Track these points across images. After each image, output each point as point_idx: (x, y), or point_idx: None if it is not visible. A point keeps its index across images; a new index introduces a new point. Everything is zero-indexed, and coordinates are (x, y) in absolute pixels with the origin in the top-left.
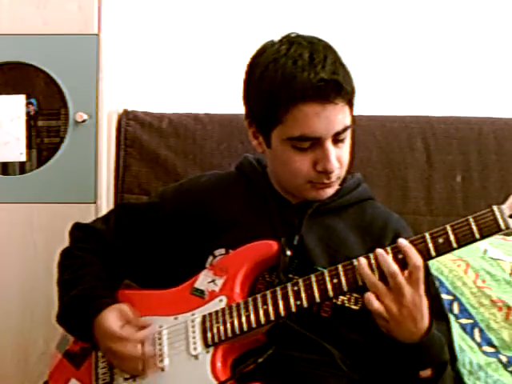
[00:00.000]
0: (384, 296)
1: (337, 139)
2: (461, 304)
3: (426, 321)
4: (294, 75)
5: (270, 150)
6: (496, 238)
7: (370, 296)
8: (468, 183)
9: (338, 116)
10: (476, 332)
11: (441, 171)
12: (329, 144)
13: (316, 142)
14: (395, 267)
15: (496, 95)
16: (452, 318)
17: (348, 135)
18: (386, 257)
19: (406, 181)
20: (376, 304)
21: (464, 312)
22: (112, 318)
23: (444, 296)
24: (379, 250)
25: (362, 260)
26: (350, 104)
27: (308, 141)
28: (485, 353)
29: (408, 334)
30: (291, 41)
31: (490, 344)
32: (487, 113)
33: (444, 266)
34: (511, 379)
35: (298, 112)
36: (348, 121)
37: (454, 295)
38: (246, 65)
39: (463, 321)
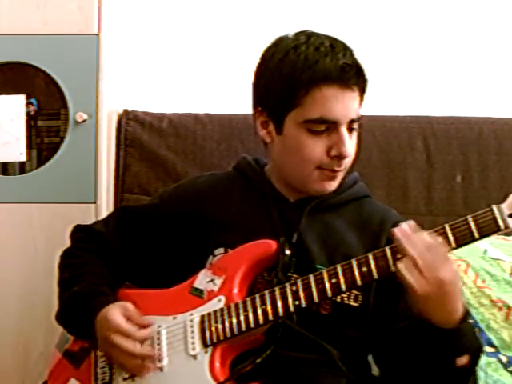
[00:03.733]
0: (425, 269)
1: (350, 127)
2: None
3: (461, 303)
4: (316, 59)
5: (280, 137)
6: (496, 238)
7: (404, 267)
8: (468, 183)
9: (354, 104)
10: (476, 332)
11: (441, 171)
12: (344, 129)
13: (331, 127)
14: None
15: (496, 95)
16: None
17: (356, 129)
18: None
19: (406, 181)
20: (414, 275)
21: None
22: (117, 313)
23: None
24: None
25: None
26: (361, 97)
27: (325, 123)
28: (485, 353)
29: (446, 314)
30: (309, 34)
31: (490, 344)
32: (487, 113)
33: None
34: (511, 379)
35: (318, 94)
36: (359, 112)
37: None
38: (260, 55)
39: None
